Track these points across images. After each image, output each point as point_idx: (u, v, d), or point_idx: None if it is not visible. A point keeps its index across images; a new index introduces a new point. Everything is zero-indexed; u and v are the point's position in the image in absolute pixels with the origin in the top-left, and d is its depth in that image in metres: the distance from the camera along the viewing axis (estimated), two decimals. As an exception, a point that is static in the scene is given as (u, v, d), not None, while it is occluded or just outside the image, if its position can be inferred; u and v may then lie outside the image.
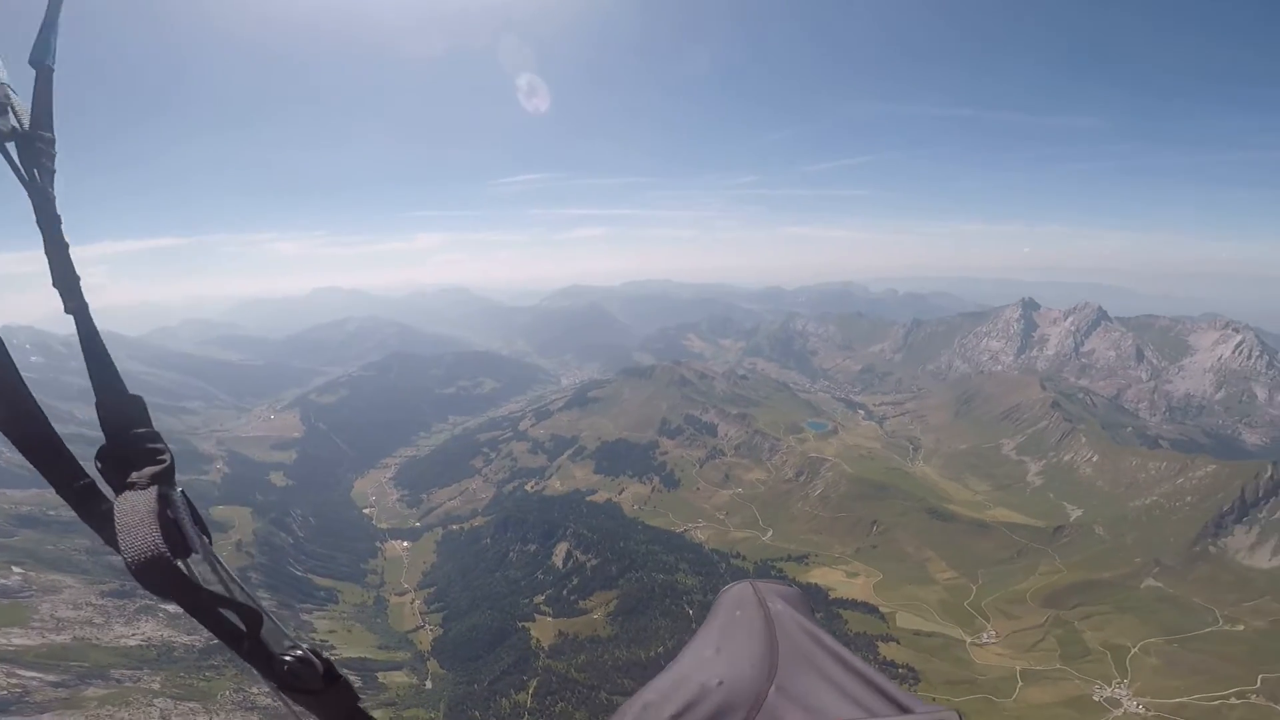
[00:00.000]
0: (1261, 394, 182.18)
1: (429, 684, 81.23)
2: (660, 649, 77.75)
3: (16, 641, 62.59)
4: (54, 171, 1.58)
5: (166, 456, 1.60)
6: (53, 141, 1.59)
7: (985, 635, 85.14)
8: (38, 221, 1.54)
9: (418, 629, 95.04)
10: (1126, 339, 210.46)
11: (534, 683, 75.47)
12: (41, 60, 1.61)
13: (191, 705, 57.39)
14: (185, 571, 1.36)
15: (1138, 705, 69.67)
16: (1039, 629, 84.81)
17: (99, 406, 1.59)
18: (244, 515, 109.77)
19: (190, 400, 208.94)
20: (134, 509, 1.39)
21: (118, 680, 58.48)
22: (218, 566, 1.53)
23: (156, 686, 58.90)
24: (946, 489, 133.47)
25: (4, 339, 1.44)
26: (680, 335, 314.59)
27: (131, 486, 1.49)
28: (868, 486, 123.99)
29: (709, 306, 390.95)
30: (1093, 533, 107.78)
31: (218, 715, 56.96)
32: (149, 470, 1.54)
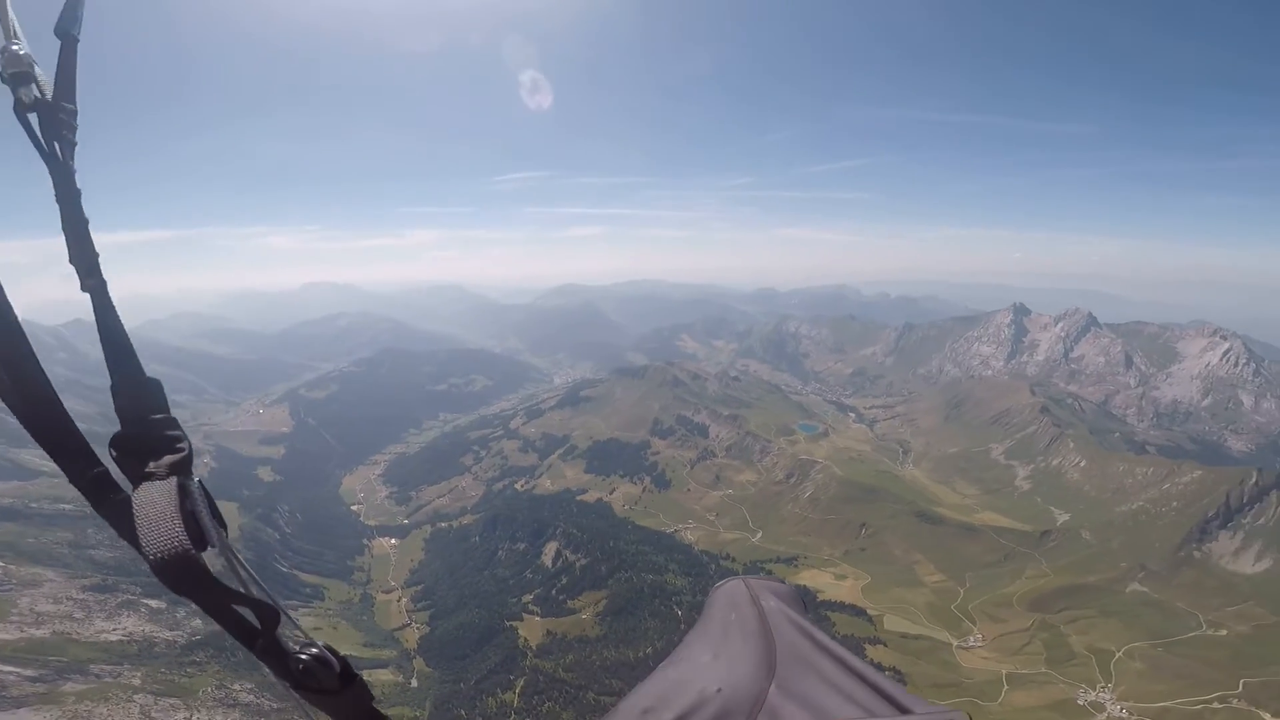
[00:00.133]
0: (1248, 401, 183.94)
1: (415, 682, 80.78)
2: (649, 650, 77.53)
3: (-6, 635, 61.80)
4: (75, 144, 1.53)
5: (185, 445, 1.54)
6: (75, 113, 1.54)
7: (972, 639, 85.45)
8: (56, 195, 1.49)
9: (404, 627, 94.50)
10: (1116, 345, 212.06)
11: (521, 682, 75.15)
12: (67, 30, 1.56)
13: (172, 701, 56.74)
14: (208, 568, 1.31)
15: (1121, 709, 70.09)
16: (1025, 633, 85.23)
17: (115, 390, 1.52)
18: (230, 510, 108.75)
19: (179, 394, 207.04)
20: (154, 501, 1.33)
21: (97, 675, 57.74)
22: (235, 561, 1.46)
23: (137, 682, 58.18)
24: (935, 492, 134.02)
25: None
26: (673, 335, 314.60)
27: (150, 477, 1.43)
28: (857, 489, 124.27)
29: (703, 307, 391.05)
30: (1079, 537, 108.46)
31: (199, 712, 56.32)
32: (168, 459, 1.47)
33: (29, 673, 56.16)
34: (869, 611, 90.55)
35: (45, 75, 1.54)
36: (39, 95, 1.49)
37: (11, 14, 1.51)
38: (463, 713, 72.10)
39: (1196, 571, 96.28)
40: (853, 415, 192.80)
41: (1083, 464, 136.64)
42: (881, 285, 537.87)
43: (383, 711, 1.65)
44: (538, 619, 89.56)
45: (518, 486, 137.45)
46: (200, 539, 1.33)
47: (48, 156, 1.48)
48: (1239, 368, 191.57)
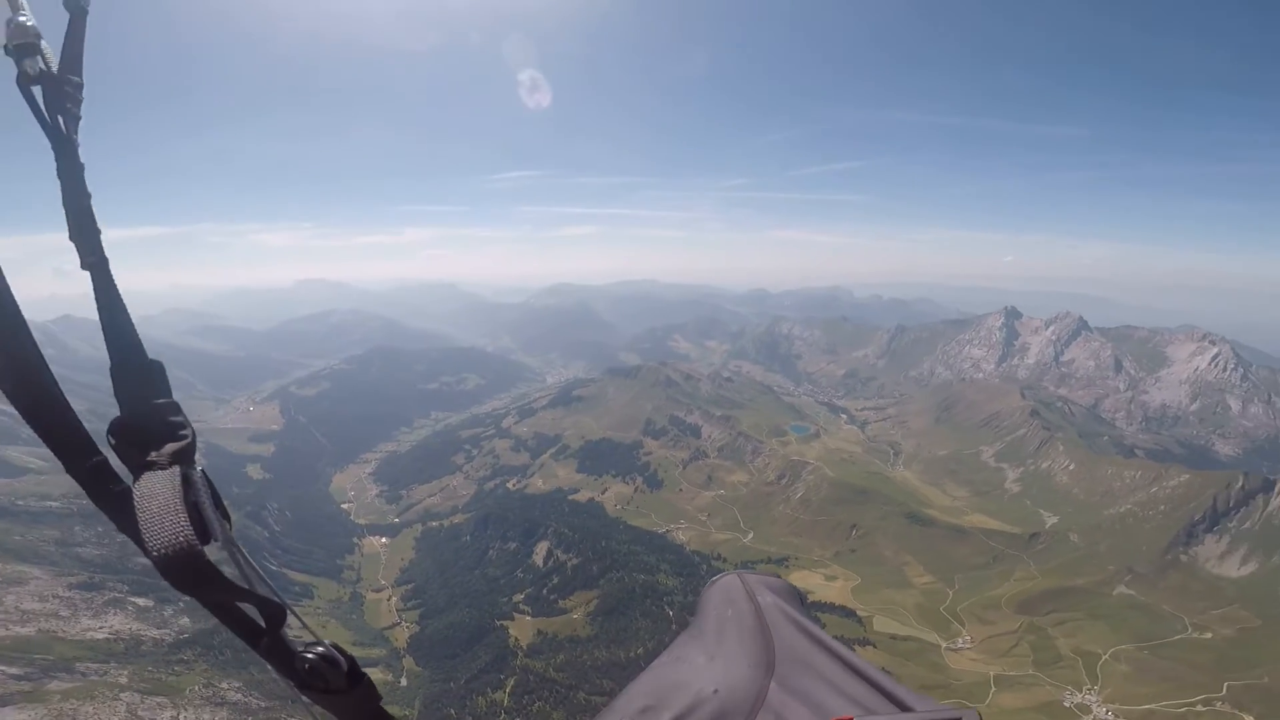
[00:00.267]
0: (1235, 406, 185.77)
1: (404, 681, 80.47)
2: (640, 650, 77.54)
3: (-21, 633, 61.19)
4: (80, 118, 1.48)
5: (188, 431, 1.46)
6: (81, 86, 1.49)
7: (960, 640, 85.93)
8: (58, 170, 1.43)
9: (394, 626, 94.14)
10: (1106, 349, 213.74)
11: (511, 681, 75.00)
12: (77, 2, 1.52)
13: (159, 700, 56.33)
14: (214, 564, 1.24)
15: (1107, 712, 70.65)
16: (1013, 635, 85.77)
17: (115, 373, 1.44)
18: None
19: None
20: (157, 492, 1.25)
21: (83, 674, 57.26)
22: (239, 556, 1.40)
23: (124, 680, 57.73)
24: (926, 494, 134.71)
25: None
26: (667, 336, 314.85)
27: (151, 466, 1.35)
28: (848, 490, 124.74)
29: (696, 308, 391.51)
30: (1067, 540, 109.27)
31: (186, 710, 55.93)
32: (170, 447, 1.39)
33: (14, 671, 55.61)
34: (858, 613, 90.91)
35: (52, 48, 1.49)
36: (44, 68, 1.43)
37: None
38: (452, 712, 71.91)
39: (1183, 574, 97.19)
40: (844, 417, 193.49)
41: (1072, 467, 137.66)
42: (874, 287, 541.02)
43: (389, 712, 1.60)
44: (528, 618, 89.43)
45: (509, 486, 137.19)
46: (203, 532, 1.25)
47: (51, 130, 1.43)
48: (1227, 373, 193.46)
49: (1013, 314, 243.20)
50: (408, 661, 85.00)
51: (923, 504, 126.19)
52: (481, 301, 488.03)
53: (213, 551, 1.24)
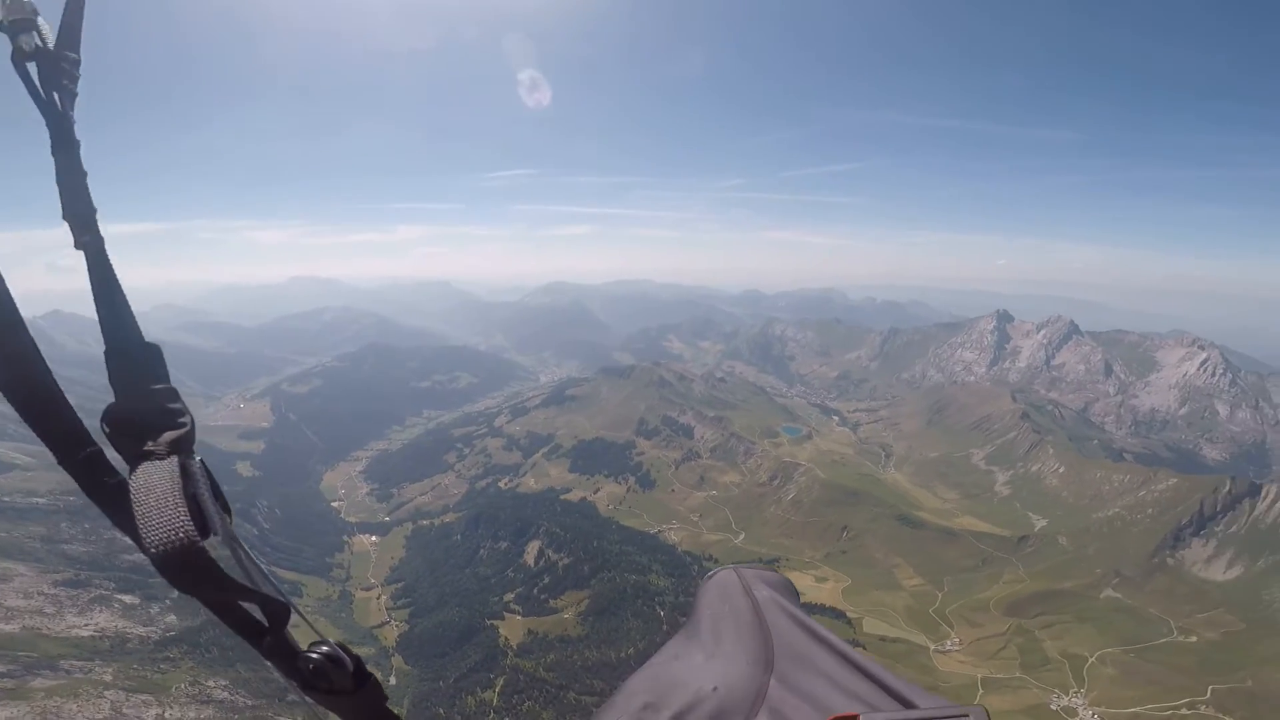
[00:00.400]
0: (1223, 411, 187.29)
1: (393, 680, 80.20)
2: (631, 650, 77.53)
3: (-38, 630, 60.57)
4: (76, 94, 1.42)
5: (187, 419, 1.38)
6: (78, 63, 1.43)
7: (949, 642, 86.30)
8: (52, 147, 1.38)
9: (383, 624, 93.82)
10: (1096, 353, 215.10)
11: (501, 681, 74.91)
12: None
13: (144, 698, 55.93)
14: (215, 561, 1.16)
15: (1093, 715, 71.09)
16: (1001, 637, 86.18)
17: (109, 357, 1.36)
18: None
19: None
20: (155, 484, 1.18)
21: (67, 671, 56.77)
22: (240, 552, 1.31)
23: (108, 678, 57.28)
24: (916, 496, 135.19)
25: None
26: (661, 336, 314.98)
27: (149, 456, 1.27)
28: (839, 492, 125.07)
29: (690, 308, 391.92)
30: (1056, 543, 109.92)
31: (171, 708, 55.57)
32: (169, 435, 1.31)
33: (-3, 668, 55.16)
34: (848, 614, 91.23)
35: (49, 24, 1.44)
36: (40, 44, 1.39)
37: None
38: (441, 711, 71.75)
39: (1169, 578, 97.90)
40: (836, 418, 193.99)
41: (1061, 470, 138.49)
42: (868, 289, 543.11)
43: (395, 713, 1.53)
44: (519, 618, 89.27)
45: (501, 485, 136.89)
46: (203, 526, 1.17)
47: (45, 106, 1.38)
48: (1216, 378, 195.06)
49: (1004, 317, 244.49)
50: (397, 660, 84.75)
51: (913, 506, 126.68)
52: (475, 300, 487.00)
53: (212, 547, 1.17)
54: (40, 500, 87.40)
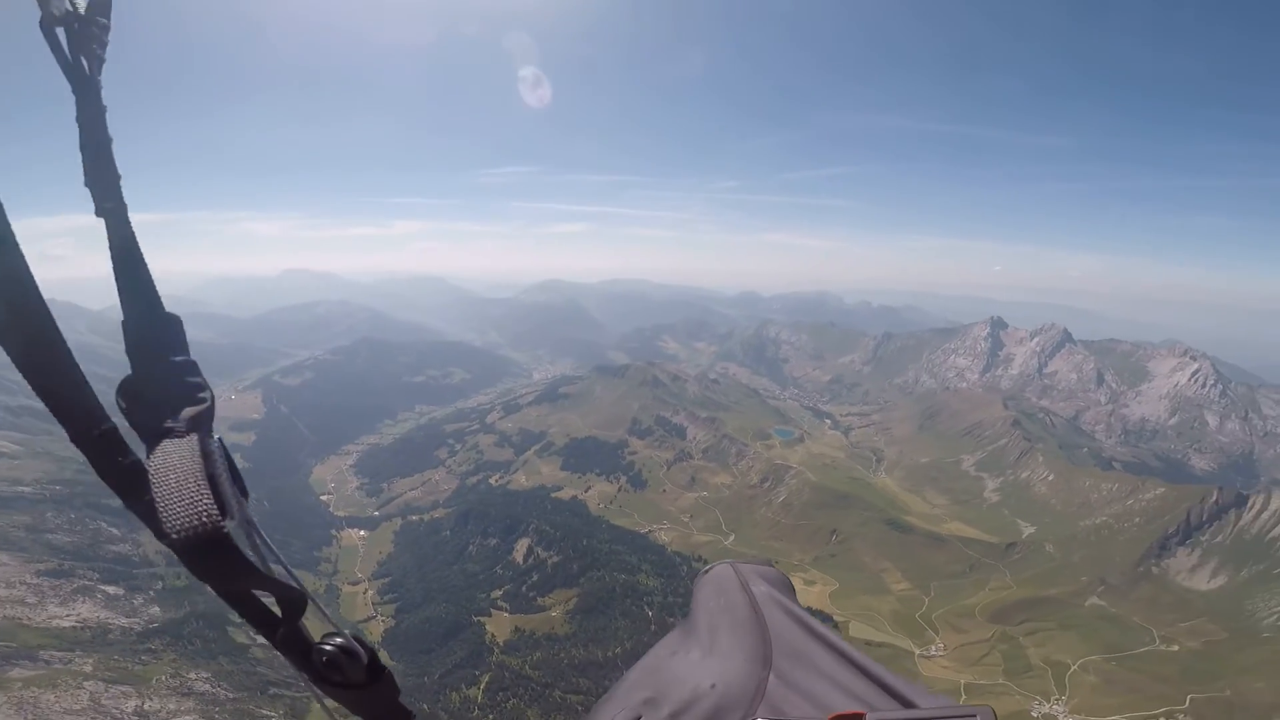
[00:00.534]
0: (1213, 421, 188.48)
1: (378, 676, 79.90)
2: (618, 650, 77.48)
3: (-58, 618, 60.17)
4: (104, 60, 1.38)
5: (207, 394, 1.33)
6: (108, 29, 1.39)
7: (934, 648, 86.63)
8: (78, 115, 1.33)
9: (369, 619, 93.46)
10: (1089, 362, 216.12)
11: (486, 678, 74.71)
12: None
13: (124, 689, 55.60)
14: (239, 547, 1.11)
15: (1074, 721, 71.48)
16: (985, 643, 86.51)
17: (127, 328, 1.32)
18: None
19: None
20: (175, 464, 1.13)
21: (46, 662, 56.40)
22: (257, 537, 1.27)
23: (88, 669, 56.92)
24: (906, 501, 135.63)
25: None
26: (655, 336, 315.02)
27: (169, 433, 1.21)
28: (830, 495, 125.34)
29: (685, 309, 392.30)
30: (1043, 550, 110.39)
31: (151, 700, 55.24)
32: (189, 411, 1.25)
33: (-24, 657, 54.79)
34: (835, 618, 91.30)
35: None
36: (70, 8, 1.34)
37: None
38: (425, 707, 71.40)
39: (1154, 587, 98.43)
40: (829, 422, 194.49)
41: (1050, 478, 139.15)
42: (863, 294, 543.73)
43: (408, 707, 1.47)
44: (506, 615, 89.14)
45: (492, 481, 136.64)
46: (220, 510, 1.12)
47: (73, 71, 1.33)
48: (1206, 388, 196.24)
49: (998, 324, 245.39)
50: (382, 655, 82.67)
51: (902, 511, 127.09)
52: (470, 296, 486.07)
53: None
54: (26, 489, 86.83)
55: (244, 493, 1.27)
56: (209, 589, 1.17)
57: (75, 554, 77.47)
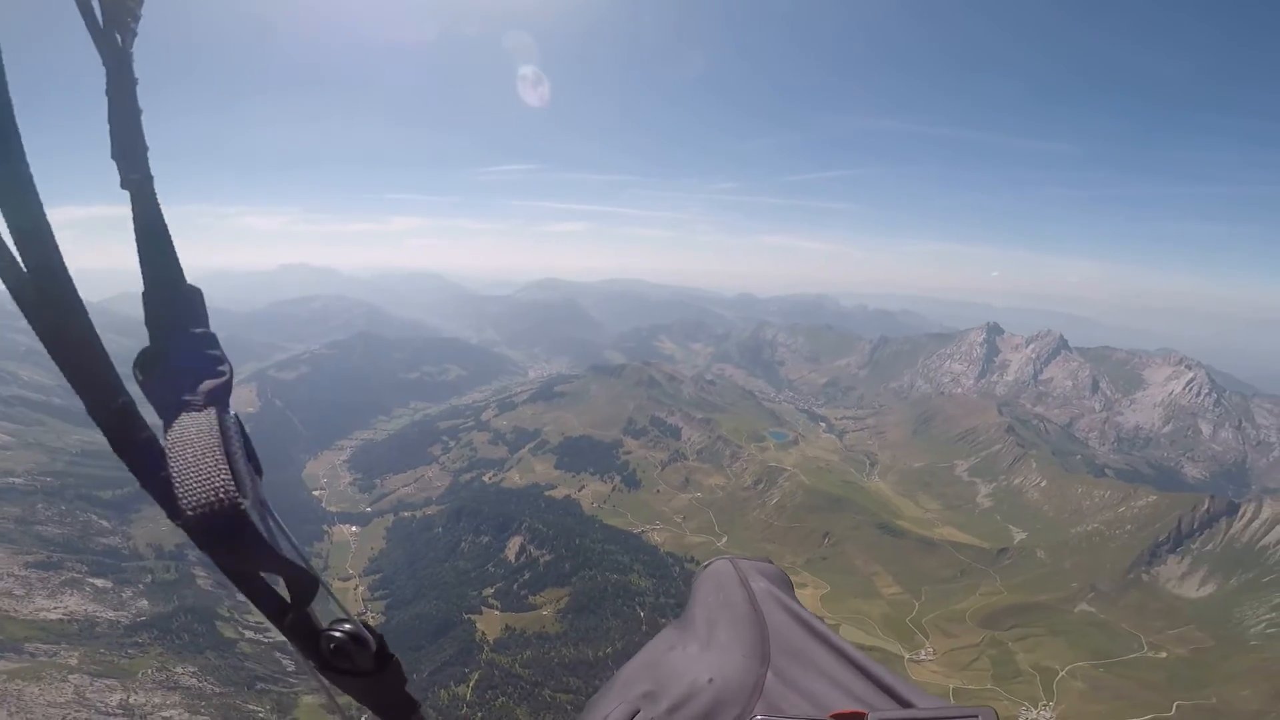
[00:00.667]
0: (1206, 430, 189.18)
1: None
2: (609, 649, 77.45)
3: (-72, 609, 59.84)
4: (136, 33, 1.37)
5: (226, 367, 1.30)
6: (141, 1, 1.37)
7: (923, 652, 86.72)
8: (108, 86, 1.32)
9: (359, 615, 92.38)
10: (1084, 369, 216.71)
11: (476, 675, 74.56)
12: None
13: (109, 682, 55.42)
14: (257, 527, 1.08)
15: (1061, 727, 71.65)
16: (975, 648, 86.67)
17: (147, 294, 1.30)
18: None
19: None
20: (193, 439, 1.10)
21: (31, 654, 56.16)
22: (271, 519, 1.24)
23: (74, 662, 56.70)
24: (899, 505, 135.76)
25: None
26: (652, 336, 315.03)
27: (186, 406, 1.17)
28: (823, 498, 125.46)
29: (682, 309, 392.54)
30: (1034, 556, 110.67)
31: (136, 694, 55.05)
32: (208, 384, 1.22)
33: (-39, 649, 54.55)
34: (826, 621, 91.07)
35: None
36: None
37: None
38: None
39: (1143, 594, 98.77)
40: (823, 425, 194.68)
41: (1043, 484, 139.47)
42: (860, 297, 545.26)
43: (414, 696, 1.44)
44: (497, 613, 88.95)
45: (485, 479, 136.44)
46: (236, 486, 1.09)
47: (105, 41, 1.31)
48: (1200, 397, 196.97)
49: (995, 330, 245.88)
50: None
51: (895, 515, 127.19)
52: (467, 293, 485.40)
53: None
54: (17, 480, 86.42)
55: (259, 471, 1.25)
56: (217, 568, 1.13)
57: (65, 546, 77.13)
